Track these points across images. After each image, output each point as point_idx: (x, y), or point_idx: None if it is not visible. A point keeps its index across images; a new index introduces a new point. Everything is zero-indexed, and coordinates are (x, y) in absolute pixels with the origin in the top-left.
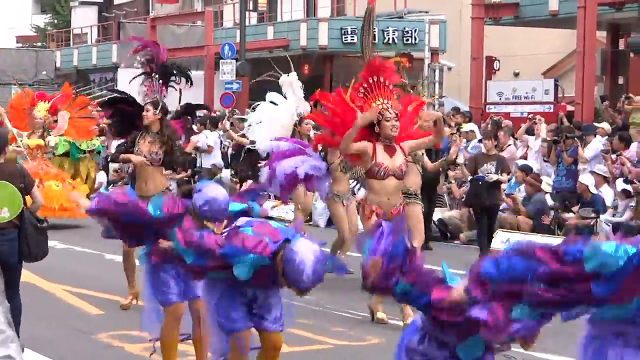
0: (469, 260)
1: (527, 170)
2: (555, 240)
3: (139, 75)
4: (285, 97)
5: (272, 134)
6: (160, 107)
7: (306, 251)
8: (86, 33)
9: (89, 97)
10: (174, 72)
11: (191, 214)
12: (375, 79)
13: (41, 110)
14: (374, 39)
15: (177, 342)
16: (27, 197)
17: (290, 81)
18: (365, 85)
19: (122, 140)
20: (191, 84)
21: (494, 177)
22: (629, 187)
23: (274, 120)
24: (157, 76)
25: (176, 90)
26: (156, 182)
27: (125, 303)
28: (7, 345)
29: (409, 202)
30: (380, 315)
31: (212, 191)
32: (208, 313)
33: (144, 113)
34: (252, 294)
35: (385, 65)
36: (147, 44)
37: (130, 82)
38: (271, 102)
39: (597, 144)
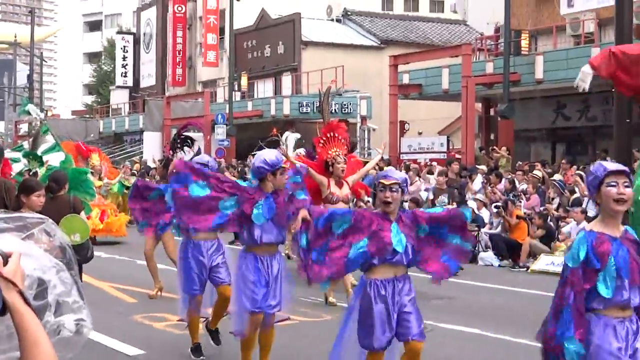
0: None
1: (415, 201)
2: None
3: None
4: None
5: None
6: (163, 162)
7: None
8: (121, 107)
9: (123, 152)
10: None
11: None
12: (332, 134)
13: (96, 159)
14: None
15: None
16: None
17: (286, 137)
18: (324, 139)
19: None
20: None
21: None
22: (498, 208)
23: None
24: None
25: (185, 153)
26: None
27: (152, 294)
28: (81, 312)
29: None
30: (331, 299)
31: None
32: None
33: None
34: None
35: (339, 125)
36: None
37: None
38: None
39: (479, 180)
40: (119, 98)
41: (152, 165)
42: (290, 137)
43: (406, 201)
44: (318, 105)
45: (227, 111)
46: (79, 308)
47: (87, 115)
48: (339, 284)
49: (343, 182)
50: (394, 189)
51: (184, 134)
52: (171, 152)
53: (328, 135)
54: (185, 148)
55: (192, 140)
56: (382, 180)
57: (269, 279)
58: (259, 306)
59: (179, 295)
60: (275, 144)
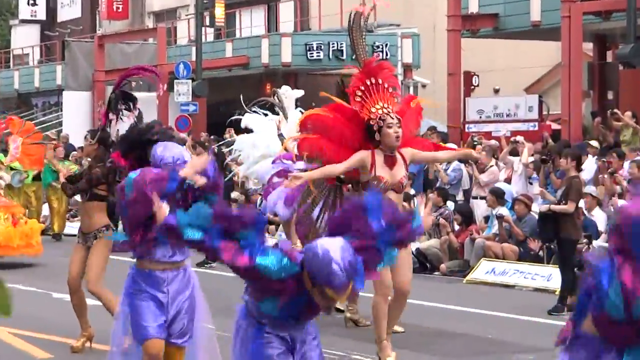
0: (451, 293)
1: (497, 193)
2: (543, 270)
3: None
4: (265, 115)
5: (267, 165)
6: (97, 137)
7: (328, 241)
8: (28, 54)
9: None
10: (118, 99)
11: None
12: (373, 81)
13: None
14: (342, 55)
15: None
16: None
17: (283, 93)
18: (363, 88)
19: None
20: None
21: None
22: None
23: (258, 150)
24: (103, 103)
25: (123, 119)
26: (90, 219)
27: (76, 345)
28: None
29: None
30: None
31: None
32: None
33: (84, 143)
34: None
35: (383, 65)
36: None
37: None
38: (247, 129)
39: (591, 164)
40: (24, 39)
41: (78, 144)
42: (290, 94)
43: (481, 197)
44: (335, 48)
45: (194, 58)
46: None
47: None
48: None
49: (396, 158)
50: None
51: (121, 89)
52: (110, 117)
53: (367, 82)
54: (124, 111)
55: (132, 99)
56: None
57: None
58: None
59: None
60: (269, 109)
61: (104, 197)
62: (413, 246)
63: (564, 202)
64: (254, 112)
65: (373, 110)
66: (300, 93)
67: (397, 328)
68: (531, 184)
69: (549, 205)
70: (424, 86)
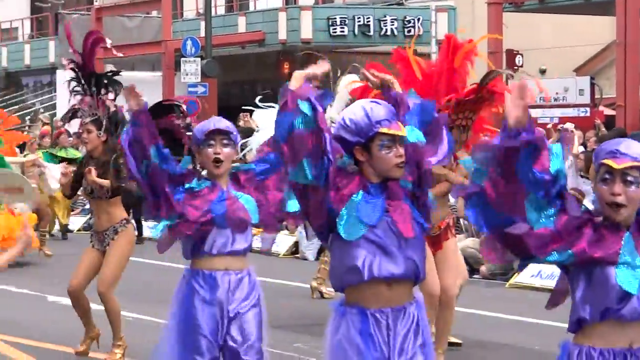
0: (492, 298)
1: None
2: None
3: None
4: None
5: None
6: (104, 127)
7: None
8: (17, 27)
9: (22, 104)
10: (106, 81)
11: None
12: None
13: None
14: (368, 31)
15: None
16: None
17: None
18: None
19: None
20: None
21: None
22: None
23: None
24: (93, 88)
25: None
26: (109, 215)
27: (80, 350)
28: None
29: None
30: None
31: None
32: None
33: (84, 136)
34: None
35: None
36: (91, 39)
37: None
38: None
39: None
40: (12, 11)
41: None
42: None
43: None
44: (362, 23)
45: (203, 34)
46: None
47: None
48: None
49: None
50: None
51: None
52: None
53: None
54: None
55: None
56: (609, 162)
57: None
58: None
59: None
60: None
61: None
62: None
63: None
64: (267, 105)
65: (453, 116)
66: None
67: (452, 339)
68: (582, 176)
69: None
70: None
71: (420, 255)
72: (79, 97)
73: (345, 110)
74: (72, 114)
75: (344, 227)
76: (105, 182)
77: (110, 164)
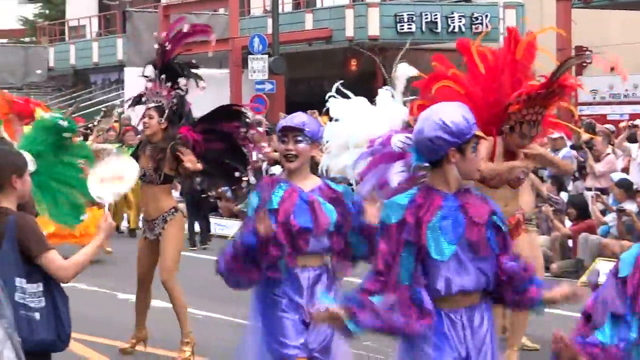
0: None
1: (625, 186)
2: None
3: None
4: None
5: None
6: (165, 115)
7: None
8: (84, 25)
9: (89, 102)
10: (181, 72)
11: None
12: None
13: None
14: (436, 27)
15: None
16: None
17: (396, 70)
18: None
19: None
20: (197, 85)
21: None
22: None
23: (339, 140)
24: (163, 76)
25: (184, 93)
26: (158, 203)
27: (125, 347)
28: None
29: None
30: None
31: None
32: None
33: (145, 120)
34: None
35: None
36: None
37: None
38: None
39: None
40: (80, 9)
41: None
42: (402, 71)
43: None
44: (429, 20)
45: (270, 31)
46: None
47: (27, 39)
48: None
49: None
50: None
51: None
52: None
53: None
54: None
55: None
56: None
57: None
58: None
59: None
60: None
61: (172, 178)
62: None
63: None
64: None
65: (524, 111)
66: (412, 72)
67: (527, 343)
68: None
69: None
70: None
71: (492, 267)
72: (149, 84)
73: (436, 110)
74: (137, 99)
75: (435, 251)
76: (199, 167)
77: (170, 149)
